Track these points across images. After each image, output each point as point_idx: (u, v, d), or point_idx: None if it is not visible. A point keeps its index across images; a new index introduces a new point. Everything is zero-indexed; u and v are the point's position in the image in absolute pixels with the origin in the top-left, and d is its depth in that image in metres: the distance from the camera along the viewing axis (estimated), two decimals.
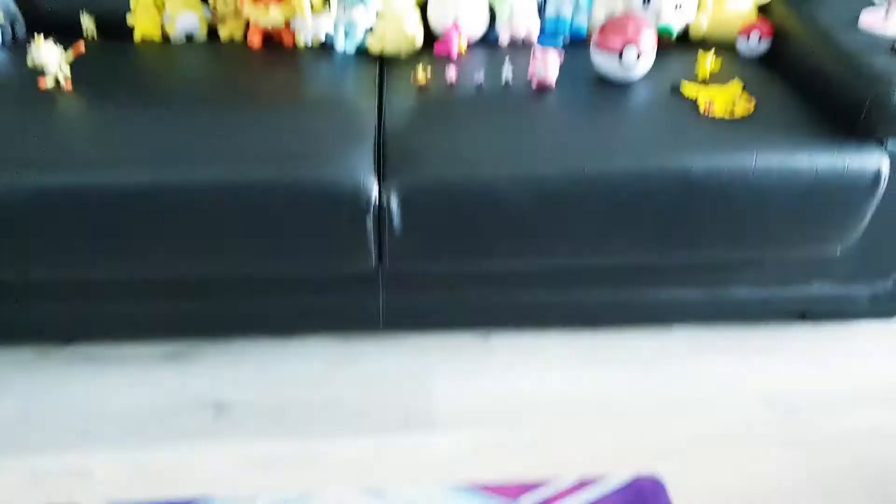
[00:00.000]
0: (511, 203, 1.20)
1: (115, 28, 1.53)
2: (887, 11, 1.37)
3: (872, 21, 1.38)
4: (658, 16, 1.50)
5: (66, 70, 1.30)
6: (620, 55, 1.31)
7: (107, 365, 1.39)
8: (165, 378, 1.37)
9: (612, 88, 1.37)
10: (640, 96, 1.35)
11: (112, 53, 1.46)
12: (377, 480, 1.20)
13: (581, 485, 1.21)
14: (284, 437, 1.27)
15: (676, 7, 1.51)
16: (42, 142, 1.18)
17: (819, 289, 1.45)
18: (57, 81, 1.31)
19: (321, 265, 1.28)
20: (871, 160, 1.23)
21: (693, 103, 1.32)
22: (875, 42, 1.33)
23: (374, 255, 1.23)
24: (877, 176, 1.23)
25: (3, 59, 1.41)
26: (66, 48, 1.32)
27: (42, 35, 1.31)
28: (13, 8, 1.48)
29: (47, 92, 1.29)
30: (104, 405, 1.31)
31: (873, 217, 1.31)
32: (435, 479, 1.20)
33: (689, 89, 1.35)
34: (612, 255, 1.30)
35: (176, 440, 1.25)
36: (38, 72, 1.31)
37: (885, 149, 1.25)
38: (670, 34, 1.52)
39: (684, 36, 1.58)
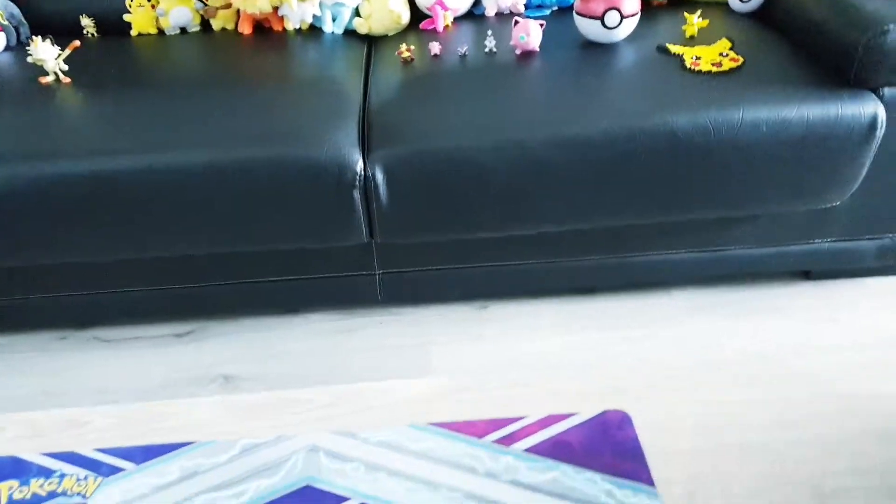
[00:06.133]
0: (494, 171, 1.21)
1: (113, 26, 1.59)
2: None
3: None
4: None
5: (64, 66, 1.37)
6: (602, 19, 1.30)
7: (120, 346, 1.46)
8: (176, 355, 1.43)
9: (596, 51, 1.35)
10: (625, 57, 1.34)
11: (109, 49, 1.53)
12: (350, 423, 1.25)
13: (549, 420, 1.22)
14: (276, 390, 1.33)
15: None
16: (40, 133, 1.24)
17: (822, 246, 1.41)
18: (57, 77, 1.37)
19: (314, 240, 1.31)
20: (866, 107, 1.19)
21: (679, 59, 1.30)
22: None
23: (364, 229, 1.26)
24: (873, 123, 1.19)
25: (8, 59, 1.48)
26: (63, 48, 1.38)
27: (41, 36, 1.38)
28: (18, 14, 1.55)
29: (48, 87, 1.35)
30: (116, 381, 1.38)
31: (875, 167, 1.27)
32: (407, 421, 1.24)
33: (675, 47, 1.32)
34: (601, 219, 1.29)
35: (179, 401, 1.32)
36: (40, 70, 1.38)
37: (881, 97, 1.21)
38: None
39: None
